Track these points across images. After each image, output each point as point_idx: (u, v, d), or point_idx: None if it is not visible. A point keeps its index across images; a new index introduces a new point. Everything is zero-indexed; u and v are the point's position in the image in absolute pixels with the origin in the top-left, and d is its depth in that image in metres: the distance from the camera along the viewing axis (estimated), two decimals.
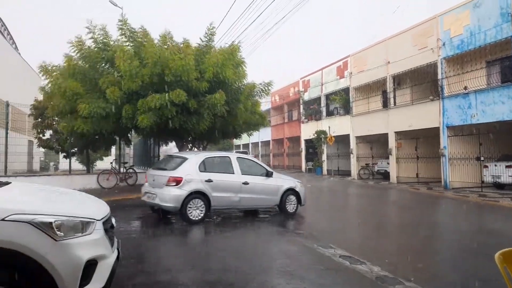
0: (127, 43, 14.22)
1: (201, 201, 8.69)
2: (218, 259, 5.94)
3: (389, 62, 21.27)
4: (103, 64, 14.54)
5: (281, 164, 38.20)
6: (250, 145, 44.93)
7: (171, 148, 27.02)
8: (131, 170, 17.73)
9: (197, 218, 8.58)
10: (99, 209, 4.04)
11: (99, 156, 27.28)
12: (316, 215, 11.09)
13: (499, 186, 15.72)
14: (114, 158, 21.36)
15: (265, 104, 32.86)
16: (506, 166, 15.06)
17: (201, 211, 8.67)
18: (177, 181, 8.57)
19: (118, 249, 4.16)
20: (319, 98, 30.34)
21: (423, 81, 19.73)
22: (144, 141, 23.77)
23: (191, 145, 22.12)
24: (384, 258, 5.98)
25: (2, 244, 2.96)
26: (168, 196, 8.56)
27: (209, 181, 8.90)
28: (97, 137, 15.82)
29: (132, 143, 26.97)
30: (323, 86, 29.34)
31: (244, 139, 26.96)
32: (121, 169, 18.14)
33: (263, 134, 40.70)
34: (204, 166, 9.10)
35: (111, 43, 14.35)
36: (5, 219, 3.02)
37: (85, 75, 14.03)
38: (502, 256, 2.38)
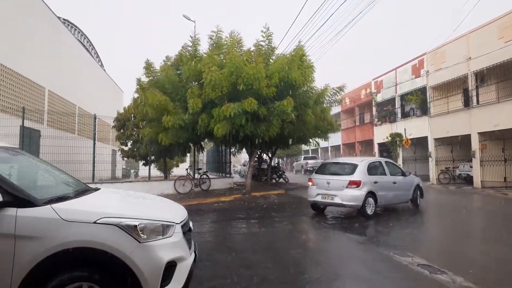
0: (215, 53, 14.82)
1: (372, 200, 10.63)
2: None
3: (470, 57, 19.75)
4: (191, 77, 15.13)
5: None
6: (319, 150, 44.37)
7: (240, 154, 27.86)
8: (204, 176, 18.47)
9: (371, 213, 10.54)
10: (178, 213, 4.28)
11: (175, 163, 28.85)
12: (392, 221, 10.61)
13: None
14: (189, 165, 22.48)
15: (335, 107, 32.31)
16: None
17: (372, 208, 10.63)
18: (357, 184, 10.42)
19: (195, 251, 4.36)
20: (393, 99, 29.04)
21: (510, 77, 17.96)
22: (216, 148, 24.71)
23: (260, 150, 22.48)
24: (468, 268, 5.55)
25: (94, 245, 3.29)
26: (352, 196, 10.35)
27: (376, 182, 10.75)
28: (174, 144, 16.85)
29: (205, 150, 28.19)
30: (398, 86, 28.04)
31: (314, 144, 26.73)
32: (196, 175, 18.97)
33: (333, 138, 39.90)
34: (370, 170, 10.89)
35: (202, 54, 15.07)
36: (97, 222, 3.35)
37: (174, 87, 14.97)
38: None
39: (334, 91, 17.51)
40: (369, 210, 10.51)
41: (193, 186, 17.68)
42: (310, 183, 11.53)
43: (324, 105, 17.47)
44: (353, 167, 10.90)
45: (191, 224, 4.50)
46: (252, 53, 14.71)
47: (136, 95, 17.44)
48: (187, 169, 18.89)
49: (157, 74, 15.85)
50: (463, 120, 20.50)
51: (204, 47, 15.73)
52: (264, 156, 25.33)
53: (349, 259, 6.15)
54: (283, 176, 24.99)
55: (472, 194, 17.18)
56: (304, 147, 43.40)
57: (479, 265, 5.99)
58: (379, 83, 30.91)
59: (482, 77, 20.08)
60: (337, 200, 10.60)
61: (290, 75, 13.52)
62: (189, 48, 15.46)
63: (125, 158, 23.89)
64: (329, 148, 42.59)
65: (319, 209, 11.70)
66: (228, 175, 21.51)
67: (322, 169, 11.76)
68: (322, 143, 39.54)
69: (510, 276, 5.45)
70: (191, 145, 19.87)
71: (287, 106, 13.14)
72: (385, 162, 11.87)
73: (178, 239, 3.85)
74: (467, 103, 20.67)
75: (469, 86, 20.27)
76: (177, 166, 29.80)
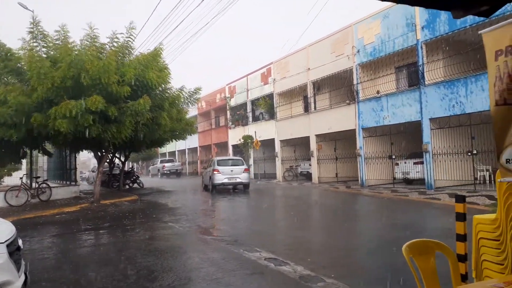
0: (38, 47, 13.18)
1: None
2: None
3: (309, 68, 22.28)
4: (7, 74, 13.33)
5: None
6: (176, 152, 44.02)
7: (89, 159, 25.53)
8: (44, 185, 16.35)
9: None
10: (1, 230, 3.68)
11: (6, 172, 24.82)
12: (242, 219, 11.18)
13: (408, 181, 17.20)
14: (24, 173, 19.61)
15: (191, 110, 32.49)
16: (414, 163, 16.54)
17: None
18: (248, 170, 19.04)
19: (25, 273, 3.82)
20: (245, 104, 30.77)
21: (340, 86, 20.95)
22: (59, 153, 22.05)
23: (111, 154, 21.06)
24: (307, 257, 6.20)
25: None
26: (246, 176, 18.27)
27: None
28: (3, 146, 14.47)
29: (45, 156, 24.92)
30: (249, 92, 29.82)
31: (170, 146, 26.36)
32: (33, 184, 16.65)
33: (190, 141, 40.10)
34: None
35: (18, 50, 13.21)
36: None
37: None
38: (408, 248, 2.59)
39: (190, 93, 17.47)
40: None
41: (29, 197, 15.45)
42: (215, 172, 17.94)
43: (180, 107, 17.31)
44: (242, 161, 19.30)
45: (20, 242, 3.91)
46: (106, 47, 13.74)
47: None
48: (21, 178, 16.38)
49: None
50: (303, 123, 23.02)
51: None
52: (117, 160, 23.80)
53: (203, 261, 6.21)
54: (138, 181, 23.95)
55: (311, 189, 19.41)
56: (161, 149, 42.42)
57: (316, 254, 6.76)
58: (233, 88, 32.39)
59: (318, 86, 22.89)
60: (238, 180, 18.09)
61: (147, 75, 12.99)
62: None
63: None
64: (187, 151, 42.63)
65: (223, 189, 18.69)
66: (74, 183, 19.47)
67: (222, 163, 18.51)
68: (179, 145, 39.37)
69: (340, 259, 6.29)
70: (27, 149, 17.38)
71: (144, 105, 12.53)
72: (222, 160, 19.35)
73: (2, 261, 3.31)
74: (306, 109, 23.29)
75: (308, 94, 22.87)
76: (10, 175, 25.73)
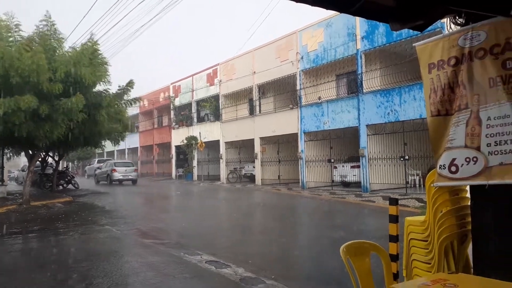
0: None
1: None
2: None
3: (255, 72, 22.50)
4: None
5: (150, 171, 36.79)
6: (115, 152, 42.20)
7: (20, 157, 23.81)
8: None
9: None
10: None
11: None
12: (183, 222, 10.98)
13: (345, 184, 17.96)
14: None
15: (132, 109, 31.28)
16: (351, 167, 17.30)
17: None
18: (136, 170, 28.07)
19: None
20: (190, 104, 30.31)
21: (284, 91, 21.39)
22: None
23: (44, 153, 19.74)
24: (248, 259, 6.22)
25: None
26: (136, 175, 26.79)
27: None
28: None
29: None
30: (194, 92, 29.43)
31: (110, 146, 25.21)
32: None
33: (130, 141, 38.66)
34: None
35: None
36: None
37: None
38: (345, 249, 2.67)
39: (122, 88, 16.58)
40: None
41: None
42: (114, 171, 25.69)
43: (117, 106, 16.49)
44: (132, 163, 28.76)
45: None
46: (33, 42, 12.76)
47: None
48: None
49: None
50: (248, 126, 23.18)
51: None
52: (50, 159, 22.30)
53: (141, 265, 5.99)
54: (73, 181, 22.63)
55: (254, 190, 19.58)
56: (99, 150, 40.29)
57: (257, 255, 6.80)
58: (178, 88, 31.78)
59: (264, 89, 23.19)
60: (130, 177, 25.99)
61: (79, 71, 12.28)
62: None
63: None
64: (126, 151, 41.05)
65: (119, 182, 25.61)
66: (0, 183, 17.94)
67: (119, 164, 27.07)
68: (119, 145, 37.79)
69: (280, 260, 6.39)
70: None
71: (76, 103, 11.87)
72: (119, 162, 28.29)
73: None
74: (252, 112, 23.49)
75: (253, 97, 23.09)
76: None
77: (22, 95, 11.10)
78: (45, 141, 13.02)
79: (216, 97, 26.92)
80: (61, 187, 21.77)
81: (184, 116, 31.30)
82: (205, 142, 26.53)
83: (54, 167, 21.53)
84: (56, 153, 21.10)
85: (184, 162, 30.88)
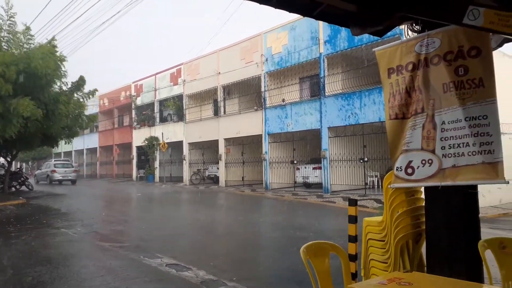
0: None
1: None
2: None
3: (219, 72, 22.39)
4: None
5: (109, 173, 35.64)
6: (73, 152, 40.56)
7: None
8: None
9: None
10: None
11: None
12: (144, 225, 10.72)
13: (307, 185, 18.25)
14: None
15: (92, 108, 30.19)
16: (313, 168, 17.60)
17: None
18: (76, 171, 28.28)
19: None
20: (152, 104, 29.68)
21: (249, 93, 21.44)
22: None
23: None
24: (209, 262, 6.15)
25: None
26: (74, 175, 26.82)
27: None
28: None
29: None
30: (157, 91, 28.85)
31: (67, 146, 24.24)
32: None
33: (89, 141, 37.36)
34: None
35: None
36: None
37: None
38: (305, 250, 2.69)
39: (77, 84, 16.05)
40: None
41: None
42: (54, 172, 25.97)
43: (76, 100, 15.88)
44: (71, 164, 28.69)
45: None
46: None
47: None
48: None
49: None
50: (213, 127, 23.02)
51: None
52: (2, 160, 21.08)
53: (99, 270, 5.78)
54: (27, 183, 21.53)
55: (217, 192, 19.46)
56: (55, 150, 38.53)
57: (218, 257, 6.74)
58: (139, 87, 31.04)
59: (228, 90, 23.12)
60: (70, 178, 26.26)
61: (32, 64, 11.68)
62: None
63: None
64: (85, 151, 39.53)
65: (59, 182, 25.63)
66: None
67: (58, 165, 26.83)
68: (77, 145, 36.40)
69: (242, 262, 6.37)
70: None
71: (26, 107, 11.33)
72: (59, 163, 27.66)
73: None
74: (216, 112, 23.34)
75: (218, 98, 22.96)
76: None
77: None
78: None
79: (179, 97, 26.53)
80: (13, 189, 20.65)
81: (146, 116, 30.60)
82: (168, 143, 26.07)
83: (6, 168, 20.37)
84: (8, 153, 20.00)
85: (145, 163, 30.16)
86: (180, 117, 26.49)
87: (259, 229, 9.88)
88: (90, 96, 16.89)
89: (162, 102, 28.88)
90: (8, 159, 20.37)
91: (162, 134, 26.70)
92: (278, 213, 12.66)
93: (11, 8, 12.60)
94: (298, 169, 18.44)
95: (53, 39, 13.26)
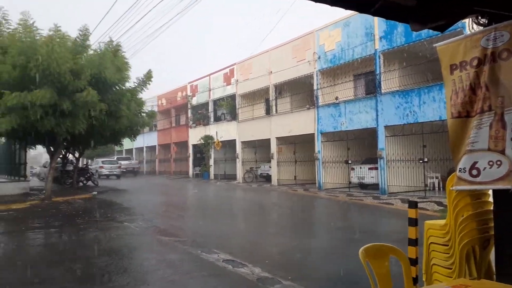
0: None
1: None
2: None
3: (271, 72, 22.48)
4: None
5: (167, 170, 37.19)
6: (134, 150, 42.82)
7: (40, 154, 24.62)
8: None
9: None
10: None
11: None
12: (200, 221, 11.08)
13: (363, 186, 17.76)
14: None
15: (151, 108, 31.68)
16: (369, 168, 17.11)
17: None
18: (119, 167, 31.83)
19: None
20: (207, 104, 30.51)
21: (301, 91, 21.31)
22: (8, 147, 20.80)
23: (65, 150, 20.19)
24: (265, 259, 6.24)
25: None
26: (119, 171, 31.23)
27: None
28: None
29: None
30: (211, 91, 29.61)
31: (128, 144, 25.64)
32: None
33: (149, 139, 39.15)
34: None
35: None
36: None
37: None
38: (364, 252, 2.66)
39: (143, 81, 16.88)
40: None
41: None
42: (101, 168, 29.90)
43: (138, 99, 16.78)
44: (116, 161, 32.91)
45: None
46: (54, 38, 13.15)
47: None
48: None
49: None
50: (265, 126, 23.19)
51: None
52: (70, 156, 22.79)
53: (159, 263, 6.08)
54: (92, 178, 23.08)
55: (270, 190, 19.58)
56: (118, 147, 41.00)
57: (273, 255, 6.82)
58: (195, 87, 32.04)
59: (280, 89, 23.16)
60: (115, 173, 30.65)
61: (103, 73, 12.54)
62: None
63: None
64: (145, 149, 41.59)
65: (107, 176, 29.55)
66: (23, 178, 18.43)
67: (106, 162, 31.44)
68: (137, 143, 38.32)
69: (297, 261, 6.39)
70: None
71: (91, 96, 12.10)
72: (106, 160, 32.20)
73: None
74: (268, 111, 23.48)
75: (270, 97, 23.07)
76: None
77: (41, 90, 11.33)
78: (66, 136, 13.29)
79: (232, 97, 27.02)
80: (81, 184, 22.22)
81: (201, 115, 31.55)
82: (222, 141, 26.67)
83: (74, 164, 22.01)
84: (76, 150, 21.56)
85: (201, 160, 31.12)
86: (233, 116, 26.97)
87: (313, 229, 9.83)
88: (148, 83, 17.52)
89: (216, 102, 29.59)
90: (76, 156, 21.98)
91: (216, 133, 27.36)
92: (332, 214, 12.50)
93: (86, 33, 13.67)
94: (353, 169, 18.03)
95: (118, 45, 14.07)
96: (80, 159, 22.94)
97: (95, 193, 17.36)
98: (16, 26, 12.60)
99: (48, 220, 10.65)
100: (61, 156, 19.83)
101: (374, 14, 3.39)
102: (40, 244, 8.01)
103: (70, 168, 22.16)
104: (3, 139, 18.40)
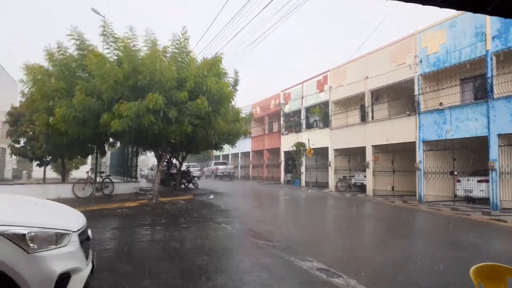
0: (109, 50, 14.12)
1: None
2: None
3: (367, 77, 21.76)
4: (80, 71, 14.53)
5: (260, 175, 38.20)
6: (230, 155, 44.84)
7: (148, 158, 27.29)
8: (107, 180, 17.41)
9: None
10: (75, 220, 3.94)
11: (74, 165, 26.74)
12: (293, 227, 11.13)
13: (470, 200, 16.15)
14: (90, 168, 21.04)
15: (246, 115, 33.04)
16: (478, 181, 15.52)
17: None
18: (233, 168, 40.85)
19: (93, 261, 4.07)
20: (299, 111, 30.67)
21: (400, 97, 20.22)
22: (121, 151, 23.45)
23: (170, 155, 21.94)
24: (361, 271, 6.05)
25: None
26: (232, 170, 39.15)
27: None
28: (74, 143, 15.72)
29: (110, 152, 26.57)
30: (304, 99, 29.70)
31: (225, 149, 26.97)
32: (98, 179, 17.79)
33: (243, 145, 40.64)
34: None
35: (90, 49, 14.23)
36: None
37: (65, 78, 14.00)
38: (476, 271, 2.46)
39: (232, 80, 17.97)
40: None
41: (94, 191, 16.52)
42: (217, 170, 37.29)
43: (234, 108, 17.74)
44: (227, 162, 40.37)
45: (89, 232, 4.19)
46: (168, 49, 14.52)
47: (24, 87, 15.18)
48: (87, 172, 17.60)
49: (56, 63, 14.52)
50: (359, 133, 22.46)
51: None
52: (174, 160, 24.79)
53: (254, 265, 6.28)
54: (193, 181, 24.72)
55: (365, 201, 18.86)
56: (215, 152, 43.44)
57: (369, 268, 6.57)
58: (287, 95, 32.44)
59: (377, 95, 22.26)
60: (227, 172, 37.69)
61: (206, 82, 13.48)
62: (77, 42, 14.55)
63: (16, 157, 21.51)
64: (239, 155, 43.30)
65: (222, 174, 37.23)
66: (134, 180, 20.56)
67: (219, 163, 39.12)
68: (233, 149, 40.13)
69: (395, 276, 6.07)
70: (94, 146, 18.68)
71: (202, 105, 13.12)
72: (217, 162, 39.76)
73: (74, 249, 3.55)
74: (363, 118, 22.71)
75: (365, 103, 22.30)
76: (77, 168, 27.65)
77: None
78: (171, 140, 14.52)
79: (325, 104, 26.74)
80: (183, 186, 23.94)
81: (293, 122, 31.81)
82: (313, 149, 26.52)
83: (178, 168, 23.84)
84: (179, 155, 23.34)
85: (292, 167, 31.34)
86: (326, 123, 26.66)
87: (413, 243, 9.23)
88: (236, 88, 18.67)
89: (308, 109, 29.57)
90: (179, 160, 23.79)
91: (308, 140, 27.29)
92: (435, 229, 11.59)
93: (185, 33, 14.77)
94: (459, 181, 16.52)
95: (219, 57, 14.93)
96: (183, 163, 24.76)
97: (211, 196, 18.58)
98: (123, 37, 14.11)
99: (155, 219, 11.69)
100: (166, 160, 21.64)
101: (490, 14, 3.11)
102: (148, 240, 8.81)
103: (174, 171, 24.05)
104: (118, 144, 20.69)
